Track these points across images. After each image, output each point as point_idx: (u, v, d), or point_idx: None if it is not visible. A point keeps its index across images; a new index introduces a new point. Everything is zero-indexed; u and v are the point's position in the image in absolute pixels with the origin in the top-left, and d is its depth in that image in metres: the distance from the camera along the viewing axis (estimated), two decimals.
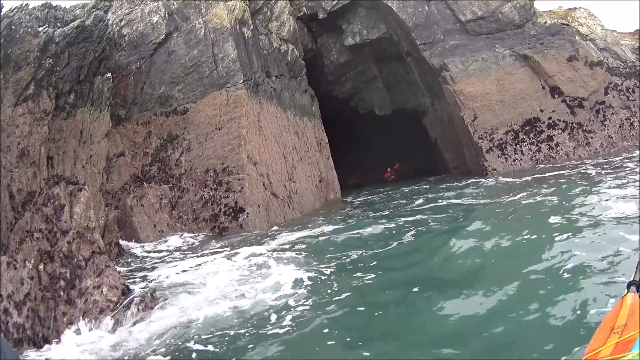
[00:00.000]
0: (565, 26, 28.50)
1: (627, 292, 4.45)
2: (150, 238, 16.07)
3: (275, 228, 16.35)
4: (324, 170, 25.46)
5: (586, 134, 25.11)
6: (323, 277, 9.83)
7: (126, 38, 19.67)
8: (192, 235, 16.23)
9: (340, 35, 31.88)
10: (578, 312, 6.29)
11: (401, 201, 21.54)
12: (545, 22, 28.24)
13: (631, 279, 4.74)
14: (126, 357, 7.08)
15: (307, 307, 8.21)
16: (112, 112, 17.89)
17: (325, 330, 7.13)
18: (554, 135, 25.09)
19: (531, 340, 5.90)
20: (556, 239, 9.72)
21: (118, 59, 19.08)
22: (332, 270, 10.46)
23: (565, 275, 7.67)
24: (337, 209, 21.64)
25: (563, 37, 27.13)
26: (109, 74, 15.52)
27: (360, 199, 25.92)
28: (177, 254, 14.22)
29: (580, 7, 32.51)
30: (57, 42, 12.46)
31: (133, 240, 15.94)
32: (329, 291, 8.92)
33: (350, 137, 37.38)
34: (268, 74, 22.16)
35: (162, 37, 19.70)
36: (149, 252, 15.00)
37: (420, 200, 19.89)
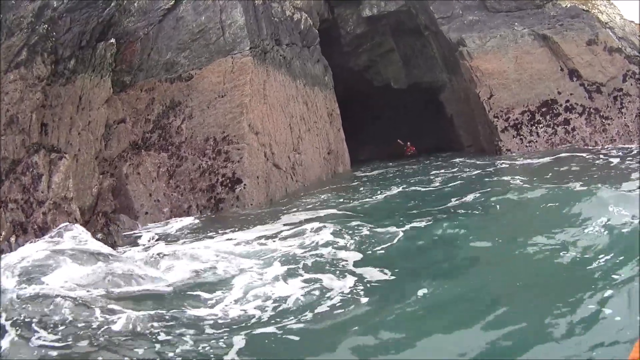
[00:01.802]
0: (585, 12, 27.73)
1: None
2: (145, 208, 15.48)
3: (269, 208, 15.68)
4: (333, 142, 24.95)
5: (603, 120, 24.28)
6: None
7: (136, 4, 19.01)
8: (187, 208, 15.67)
9: (358, 6, 31.45)
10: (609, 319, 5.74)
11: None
12: (566, 5, 27.41)
13: None
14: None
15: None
16: (118, 78, 17.54)
17: None
18: (571, 119, 24.30)
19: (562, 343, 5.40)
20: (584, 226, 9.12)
21: (127, 25, 18.49)
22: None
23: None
24: (344, 183, 21.02)
25: (583, 21, 26.33)
26: (112, 40, 15.11)
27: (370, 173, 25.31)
28: (165, 232, 13.54)
29: None
30: (54, 7, 12.03)
31: (128, 209, 15.37)
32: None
33: (365, 110, 36.81)
34: (278, 42, 21.39)
35: (171, 3, 18.95)
36: (139, 227, 14.49)
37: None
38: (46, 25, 11.54)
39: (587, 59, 25.10)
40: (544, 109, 24.47)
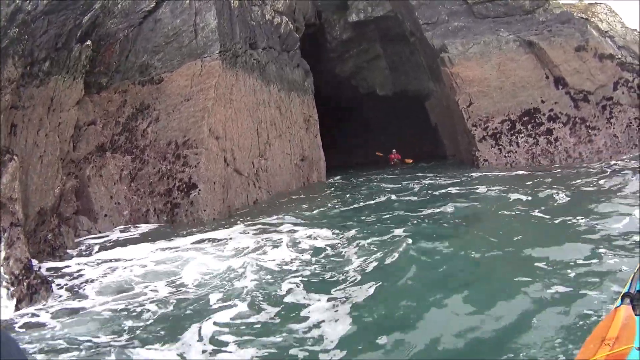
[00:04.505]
0: (584, 20, 28.04)
1: (621, 304, 4.50)
2: (105, 210, 15.90)
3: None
4: (308, 148, 25.24)
5: (589, 131, 24.27)
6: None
7: (119, 5, 19.43)
8: (145, 212, 16.20)
9: (345, 12, 31.89)
10: (568, 318, 6.36)
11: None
12: (557, 10, 27.79)
13: (625, 290, 4.82)
14: None
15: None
16: (95, 80, 18.03)
17: None
18: (554, 128, 24.36)
19: (518, 344, 5.93)
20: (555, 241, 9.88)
21: (109, 27, 18.98)
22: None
23: (560, 280, 7.68)
24: (313, 192, 21.58)
25: (573, 26, 26.36)
26: (88, 42, 15.52)
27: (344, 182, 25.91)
28: (113, 237, 14.16)
29: (601, 3, 32.40)
30: (27, 11, 12.43)
31: (88, 211, 15.88)
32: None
33: (351, 116, 37.33)
34: (254, 46, 21.82)
35: (152, 5, 19.45)
36: (92, 229, 15.06)
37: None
38: (17, 29, 11.94)
39: (575, 66, 25.13)
40: (525, 118, 24.58)
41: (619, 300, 4.60)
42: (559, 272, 8.02)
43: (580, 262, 8.36)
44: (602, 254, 8.62)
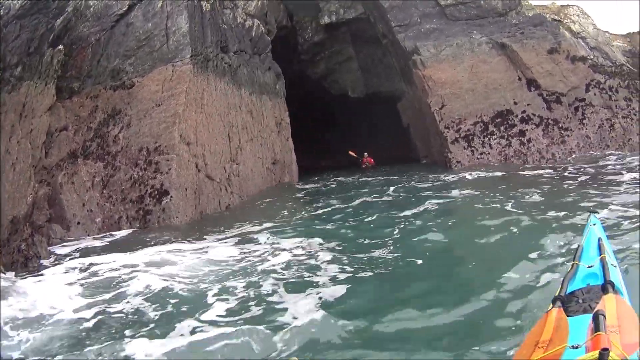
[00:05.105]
0: (557, 22, 28.50)
1: (553, 307, 4.52)
2: (77, 218, 15.86)
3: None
4: (280, 152, 25.45)
5: (562, 132, 24.73)
6: None
7: (92, 9, 19.43)
8: (117, 219, 16.21)
9: (317, 14, 32.16)
10: (511, 323, 6.46)
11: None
12: (530, 13, 28.20)
13: (557, 294, 4.83)
14: None
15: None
16: (67, 84, 18.06)
17: None
18: (527, 130, 24.76)
19: (458, 344, 6.11)
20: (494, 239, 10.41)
21: (81, 30, 18.89)
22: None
23: (497, 282, 7.91)
24: (284, 197, 21.81)
25: (545, 29, 26.90)
26: (60, 46, 15.56)
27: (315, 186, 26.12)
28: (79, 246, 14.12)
29: (573, 5, 32.78)
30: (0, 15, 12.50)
31: (61, 218, 15.87)
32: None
33: (325, 118, 37.63)
34: (225, 49, 21.97)
35: (125, 9, 19.49)
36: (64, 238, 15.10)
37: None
38: None
39: (548, 68, 25.67)
40: (498, 120, 24.94)
41: (551, 304, 4.66)
42: (507, 277, 8.17)
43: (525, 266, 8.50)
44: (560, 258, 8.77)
